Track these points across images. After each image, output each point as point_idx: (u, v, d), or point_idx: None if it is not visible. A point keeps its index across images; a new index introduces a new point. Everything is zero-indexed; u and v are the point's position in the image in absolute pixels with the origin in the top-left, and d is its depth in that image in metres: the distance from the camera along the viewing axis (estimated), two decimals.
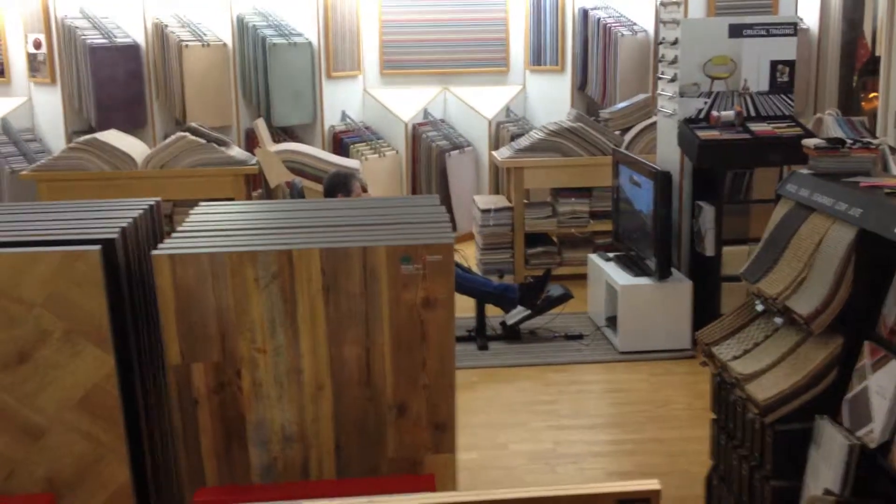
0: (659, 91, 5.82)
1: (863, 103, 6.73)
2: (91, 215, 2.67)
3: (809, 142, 3.36)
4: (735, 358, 3.29)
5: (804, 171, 3.39)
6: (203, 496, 2.37)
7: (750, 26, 5.34)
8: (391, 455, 2.53)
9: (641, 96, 7.10)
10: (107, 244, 2.36)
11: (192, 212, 2.75)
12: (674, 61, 5.51)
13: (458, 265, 5.67)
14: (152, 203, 2.80)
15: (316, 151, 6.90)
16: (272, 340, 2.39)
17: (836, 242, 2.99)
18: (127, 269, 2.50)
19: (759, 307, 3.37)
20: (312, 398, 2.45)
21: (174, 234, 2.47)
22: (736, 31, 5.34)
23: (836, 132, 3.86)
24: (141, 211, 2.69)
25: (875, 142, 3.35)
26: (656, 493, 1.60)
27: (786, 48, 5.38)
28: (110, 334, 2.38)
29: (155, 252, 2.29)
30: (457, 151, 8.00)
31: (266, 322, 2.37)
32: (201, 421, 2.44)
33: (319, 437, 2.49)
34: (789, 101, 5.44)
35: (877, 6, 6.10)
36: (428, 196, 2.80)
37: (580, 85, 8.02)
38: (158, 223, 2.82)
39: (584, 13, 7.90)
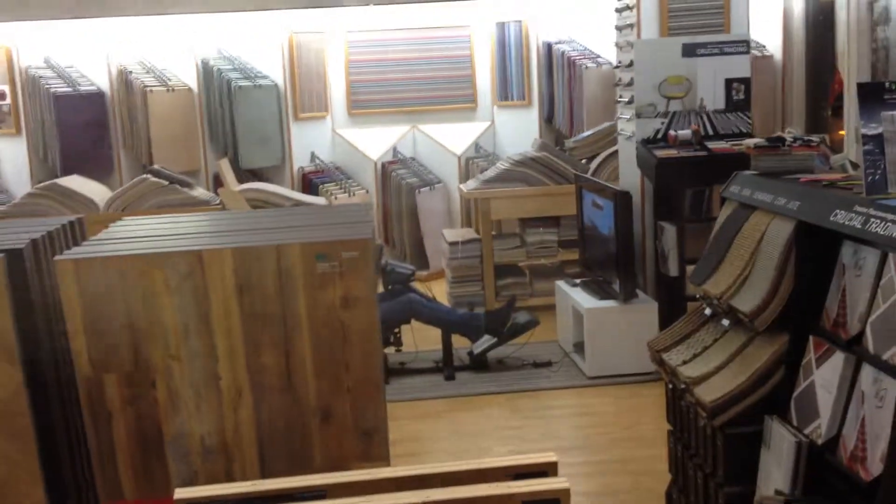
0: (618, 115, 5.80)
1: (836, 132, 6.72)
2: (8, 230, 2.61)
3: (749, 141, 3.33)
4: (684, 363, 3.21)
5: (747, 172, 3.34)
6: None
7: (703, 45, 5.35)
8: (318, 464, 2.43)
9: (606, 124, 7.09)
10: (12, 254, 2.29)
11: (111, 225, 2.68)
12: (630, 83, 5.51)
13: (422, 296, 5.60)
14: (73, 219, 2.74)
15: (280, 189, 6.87)
16: (186, 346, 2.31)
17: (776, 237, 2.93)
18: (39, 281, 2.43)
19: (708, 311, 3.31)
20: (232, 406, 2.37)
21: (84, 243, 2.40)
22: (689, 51, 5.34)
23: None
24: (59, 226, 2.63)
25: (816, 139, 3.32)
26: (553, 465, 1.52)
27: (740, 66, 5.38)
28: (17, 347, 2.29)
29: (58, 257, 2.22)
30: (427, 188, 7.98)
31: (179, 327, 2.30)
32: (116, 435, 2.35)
33: (242, 448, 2.41)
34: (747, 119, 5.42)
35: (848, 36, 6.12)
36: (356, 204, 2.75)
37: (547, 118, 8.04)
38: (81, 238, 2.75)
39: (549, 47, 7.94)
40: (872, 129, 2.59)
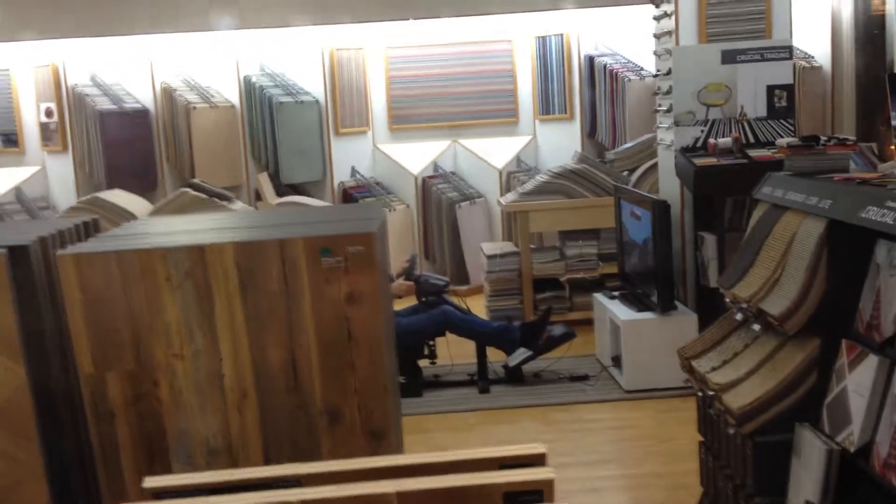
0: (657, 124, 5.70)
1: (889, 146, 6.53)
2: (20, 230, 2.61)
3: (782, 141, 3.22)
4: (713, 369, 3.10)
5: (780, 173, 3.23)
6: None
7: (743, 51, 5.22)
8: None
9: (647, 136, 6.98)
10: (17, 250, 2.27)
11: (123, 224, 2.67)
12: (668, 92, 5.40)
13: (456, 308, 5.53)
14: (87, 220, 2.73)
15: (317, 202, 6.86)
16: (190, 344, 2.27)
17: (807, 237, 2.82)
18: (47, 278, 2.41)
19: (738, 316, 3.19)
20: (236, 407, 2.32)
21: (90, 239, 2.38)
22: (729, 57, 5.22)
23: None
24: (71, 225, 2.62)
25: (852, 138, 3.19)
26: (541, 456, 1.44)
27: (782, 72, 5.23)
28: (21, 344, 2.27)
29: (60, 252, 2.20)
30: (467, 202, 7.92)
31: (182, 324, 2.26)
32: (120, 435, 2.32)
33: (247, 450, 2.35)
34: (789, 126, 5.28)
35: None
36: (367, 203, 2.69)
37: (590, 132, 7.94)
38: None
39: (590, 60, 7.87)
40: None
